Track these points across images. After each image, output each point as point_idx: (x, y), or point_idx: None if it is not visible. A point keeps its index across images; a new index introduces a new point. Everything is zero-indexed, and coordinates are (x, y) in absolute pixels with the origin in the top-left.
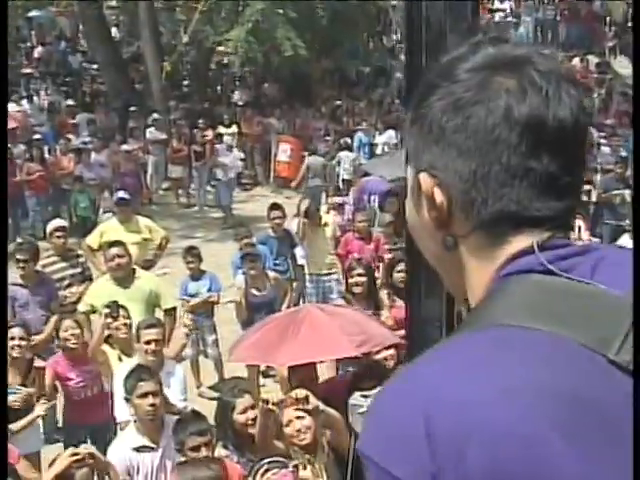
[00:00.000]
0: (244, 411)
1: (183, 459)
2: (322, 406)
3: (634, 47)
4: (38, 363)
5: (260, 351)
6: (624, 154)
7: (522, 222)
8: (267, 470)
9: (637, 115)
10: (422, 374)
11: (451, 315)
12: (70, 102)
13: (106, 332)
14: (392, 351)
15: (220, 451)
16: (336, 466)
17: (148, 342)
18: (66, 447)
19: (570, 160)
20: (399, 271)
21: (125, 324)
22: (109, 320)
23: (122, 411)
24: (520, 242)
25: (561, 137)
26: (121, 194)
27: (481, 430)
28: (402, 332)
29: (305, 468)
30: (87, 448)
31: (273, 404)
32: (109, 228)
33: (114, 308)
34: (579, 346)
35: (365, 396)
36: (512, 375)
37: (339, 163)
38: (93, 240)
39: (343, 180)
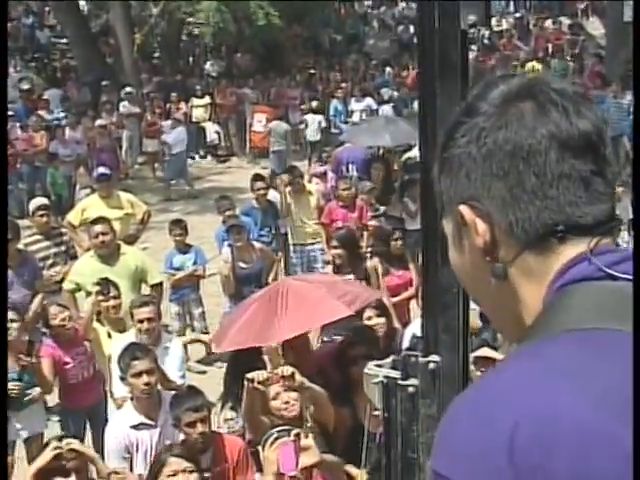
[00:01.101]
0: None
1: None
2: (307, 383)
3: (634, 47)
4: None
5: (253, 332)
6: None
7: (567, 232)
8: (277, 438)
9: (637, 115)
10: (502, 387)
11: None
12: (40, 78)
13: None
14: (383, 319)
15: (227, 413)
16: (319, 438)
17: (141, 320)
18: (64, 430)
19: (599, 165)
20: (395, 239)
21: (115, 299)
22: (100, 297)
23: (119, 388)
24: (569, 252)
25: (587, 145)
26: (101, 170)
27: (567, 441)
28: (394, 299)
29: (307, 436)
30: (69, 443)
31: (259, 382)
32: (90, 204)
33: (105, 285)
34: None
35: (379, 365)
36: (595, 381)
37: (306, 126)
38: (74, 217)
39: (309, 143)
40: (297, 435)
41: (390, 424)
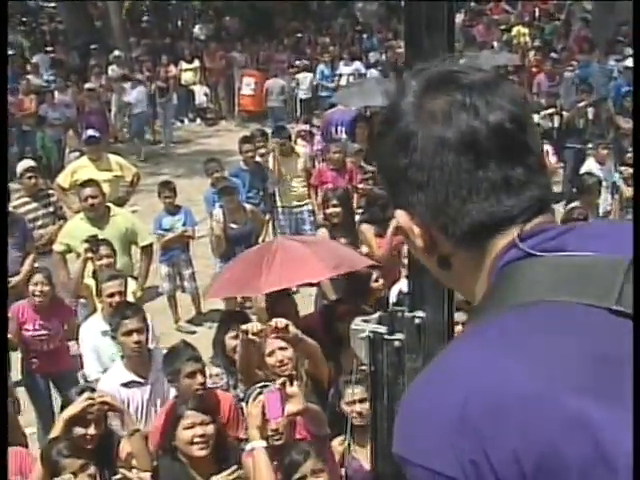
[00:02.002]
0: (235, 337)
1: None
2: (301, 335)
3: (634, 47)
4: None
5: (237, 284)
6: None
7: (495, 226)
8: (259, 394)
9: (637, 114)
10: (455, 361)
11: None
12: (29, 42)
13: (90, 267)
14: (381, 282)
15: (212, 369)
16: (314, 395)
17: (111, 295)
18: (31, 397)
19: (517, 155)
20: (380, 205)
21: (108, 258)
22: (89, 255)
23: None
24: (500, 243)
25: (502, 139)
26: (90, 132)
27: (514, 407)
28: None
29: (292, 384)
30: (102, 395)
31: (253, 334)
32: (80, 167)
33: (94, 243)
34: (587, 307)
35: (366, 321)
36: (540, 350)
37: (298, 84)
38: (64, 179)
39: (301, 100)
40: (283, 384)
41: (376, 378)
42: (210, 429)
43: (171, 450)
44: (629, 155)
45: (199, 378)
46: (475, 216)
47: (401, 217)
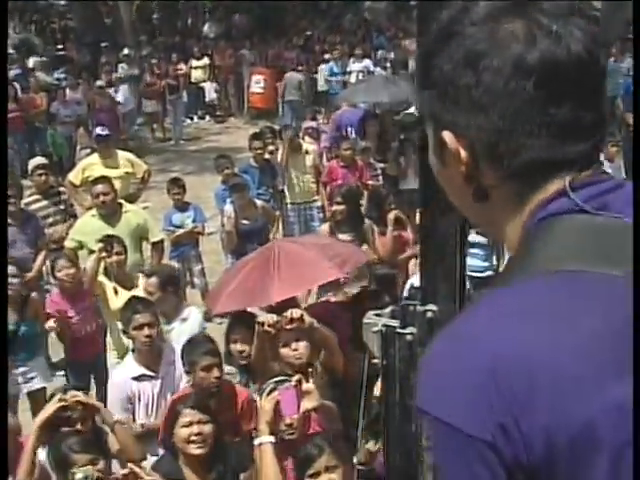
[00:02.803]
0: (235, 342)
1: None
2: (316, 324)
3: (634, 47)
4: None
5: (247, 294)
6: None
7: (552, 167)
8: (273, 389)
9: (637, 113)
10: (485, 323)
11: (464, 232)
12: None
13: (102, 265)
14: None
15: (225, 368)
16: (329, 388)
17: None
18: (69, 383)
19: (590, 97)
20: (389, 203)
21: (119, 255)
22: (103, 254)
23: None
24: (549, 187)
25: (578, 74)
26: (99, 130)
27: (554, 379)
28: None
29: (308, 381)
30: (74, 395)
31: (269, 326)
32: (90, 164)
33: (108, 242)
34: (622, 280)
35: (378, 315)
36: (577, 322)
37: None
38: (75, 177)
39: (318, 92)
40: (299, 381)
41: (388, 372)
42: (208, 428)
43: (171, 447)
44: None
45: (215, 372)
46: (537, 152)
47: (449, 138)
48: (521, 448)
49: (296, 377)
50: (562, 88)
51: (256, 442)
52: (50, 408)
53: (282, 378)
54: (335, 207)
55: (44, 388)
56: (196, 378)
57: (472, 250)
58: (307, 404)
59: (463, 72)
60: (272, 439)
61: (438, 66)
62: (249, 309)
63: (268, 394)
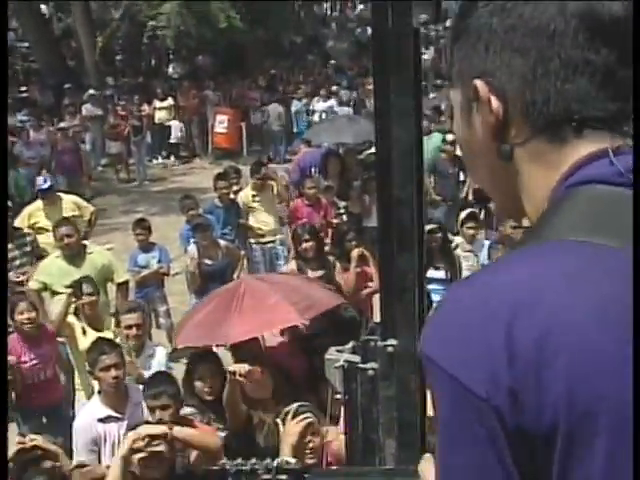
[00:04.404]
0: (202, 379)
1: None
2: None
3: (634, 47)
4: None
5: (206, 330)
6: None
7: (584, 123)
8: (296, 413)
9: (637, 112)
10: (501, 280)
11: (422, 267)
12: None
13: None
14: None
15: (185, 409)
16: None
17: (129, 327)
18: (20, 429)
19: (626, 54)
20: (349, 240)
21: (90, 296)
22: (73, 299)
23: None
24: (586, 146)
25: (616, 31)
26: (40, 182)
27: (570, 346)
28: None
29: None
30: (33, 439)
31: (241, 375)
32: (35, 209)
33: (78, 288)
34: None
35: (340, 350)
36: (593, 291)
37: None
38: (21, 223)
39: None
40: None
41: (351, 406)
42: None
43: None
44: None
45: (170, 411)
46: (570, 101)
47: (481, 86)
48: (528, 416)
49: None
50: (600, 38)
51: (276, 462)
52: (11, 451)
53: (303, 403)
54: (305, 245)
55: None
56: (153, 417)
57: (430, 286)
58: (329, 435)
59: (501, 15)
60: (293, 460)
61: (475, 15)
62: (214, 347)
63: (293, 417)
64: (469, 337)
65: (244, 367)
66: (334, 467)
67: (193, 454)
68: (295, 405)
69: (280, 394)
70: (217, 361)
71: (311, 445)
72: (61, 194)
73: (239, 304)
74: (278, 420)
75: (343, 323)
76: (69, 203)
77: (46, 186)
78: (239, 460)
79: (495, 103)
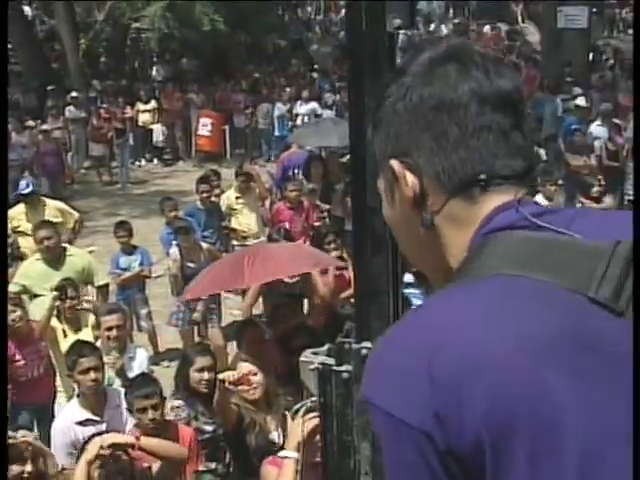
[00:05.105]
0: (201, 370)
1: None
2: None
3: (634, 46)
4: None
5: (219, 282)
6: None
7: (489, 182)
8: (309, 410)
9: (637, 112)
10: (426, 318)
11: (396, 271)
12: None
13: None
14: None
15: (173, 402)
16: None
17: (109, 328)
18: (11, 427)
19: (518, 120)
20: (328, 243)
21: (72, 300)
22: (57, 303)
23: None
24: (493, 201)
25: (505, 101)
26: (22, 186)
27: (486, 370)
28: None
29: None
30: (25, 436)
31: (230, 383)
32: (16, 215)
33: (63, 290)
34: (566, 290)
35: (315, 353)
36: (514, 320)
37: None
38: None
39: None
40: None
41: (326, 409)
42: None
43: None
44: (594, 189)
45: (150, 414)
46: (473, 164)
47: (395, 165)
48: (454, 437)
49: None
50: (491, 107)
51: (281, 454)
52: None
53: (313, 400)
54: None
55: None
56: (135, 419)
57: (407, 290)
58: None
59: (403, 99)
60: (297, 456)
61: (384, 105)
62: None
63: (305, 414)
64: (397, 372)
65: (233, 374)
66: None
67: (156, 464)
68: (308, 402)
69: (272, 394)
70: (213, 355)
71: (319, 445)
72: (46, 199)
73: (252, 259)
74: (287, 413)
75: (339, 319)
76: (53, 209)
77: (28, 190)
78: None
79: (410, 178)
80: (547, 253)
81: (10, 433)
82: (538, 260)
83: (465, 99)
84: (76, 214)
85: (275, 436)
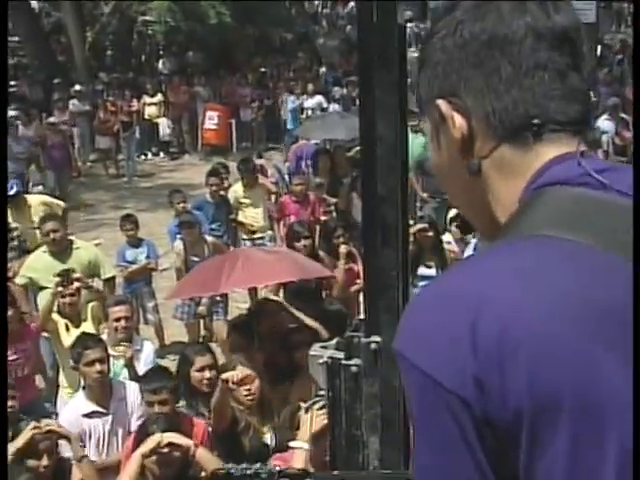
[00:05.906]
0: (201, 369)
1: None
2: None
3: (634, 46)
4: None
5: (198, 285)
6: None
7: (543, 127)
8: (323, 406)
9: (637, 111)
10: (467, 279)
11: (406, 264)
12: None
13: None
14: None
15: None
16: None
17: (117, 319)
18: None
19: (576, 60)
20: (337, 237)
21: (72, 297)
22: (60, 289)
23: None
24: (548, 150)
25: (563, 39)
26: (12, 184)
27: (529, 338)
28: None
29: None
30: (48, 424)
31: (234, 383)
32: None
33: (65, 277)
34: (614, 257)
35: (324, 347)
36: (556, 285)
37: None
38: None
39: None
40: None
41: (334, 403)
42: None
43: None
44: None
45: (156, 408)
46: (527, 106)
47: (442, 105)
48: (494, 404)
49: None
50: (548, 44)
51: (292, 444)
52: (26, 435)
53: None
54: (303, 242)
55: None
56: (148, 412)
57: (422, 283)
58: None
59: (454, 36)
60: (308, 447)
61: (430, 42)
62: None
63: (320, 408)
64: (437, 333)
65: (237, 374)
66: (335, 472)
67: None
68: (322, 400)
69: (266, 397)
70: (212, 353)
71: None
72: (28, 197)
73: (232, 263)
74: (302, 404)
75: (329, 316)
76: (37, 206)
77: (13, 192)
78: (244, 465)
79: (458, 119)
80: (593, 215)
81: (33, 423)
82: (582, 222)
83: (519, 35)
84: (62, 204)
85: (268, 439)
